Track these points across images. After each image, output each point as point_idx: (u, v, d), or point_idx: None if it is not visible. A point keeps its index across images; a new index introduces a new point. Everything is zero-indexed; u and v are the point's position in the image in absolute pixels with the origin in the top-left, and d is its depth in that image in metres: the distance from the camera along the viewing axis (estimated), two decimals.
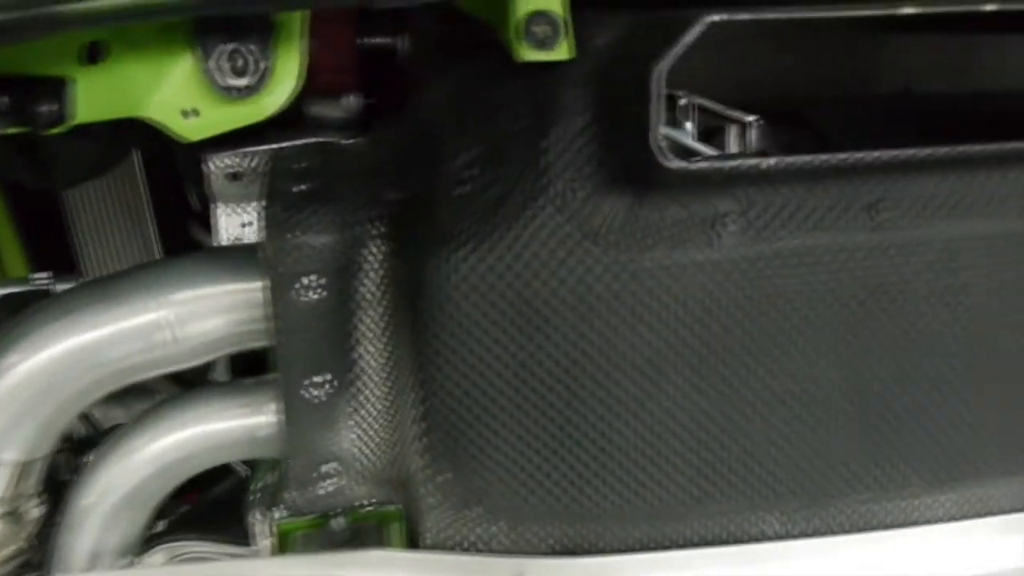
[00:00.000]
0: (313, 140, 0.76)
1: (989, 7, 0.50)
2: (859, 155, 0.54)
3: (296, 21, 0.58)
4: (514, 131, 0.56)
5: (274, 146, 0.76)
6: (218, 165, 0.80)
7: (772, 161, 0.52)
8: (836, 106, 0.74)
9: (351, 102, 0.78)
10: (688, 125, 0.80)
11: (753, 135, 0.81)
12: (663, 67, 0.47)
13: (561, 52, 0.54)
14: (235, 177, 0.81)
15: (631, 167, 0.52)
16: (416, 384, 0.58)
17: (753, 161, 0.52)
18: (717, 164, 0.52)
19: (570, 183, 0.53)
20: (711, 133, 0.87)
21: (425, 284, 0.56)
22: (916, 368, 0.58)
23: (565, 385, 0.55)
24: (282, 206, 0.61)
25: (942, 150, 0.54)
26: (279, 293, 0.60)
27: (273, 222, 0.61)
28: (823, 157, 0.53)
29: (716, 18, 0.47)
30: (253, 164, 0.79)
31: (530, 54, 0.53)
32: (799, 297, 0.56)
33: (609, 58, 0.54)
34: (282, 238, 0.60)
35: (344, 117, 0.80)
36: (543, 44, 0.53)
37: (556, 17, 0.54)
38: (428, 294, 0.55)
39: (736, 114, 0.80)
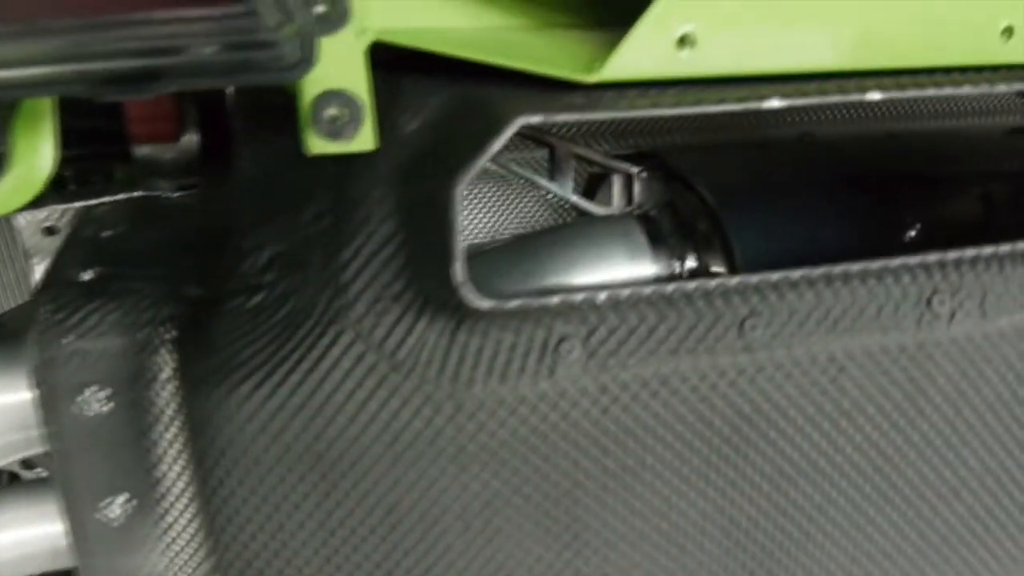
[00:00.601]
0: (137, 194, 0.66)
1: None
2: (724, 281, 0.45)
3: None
4: (316, 231, 0.47)
5: (89, 202, 0.66)
6: (28, 219, 0.70)
7: (604, 296, 0.43)
8: (701, 154, 0.65)
9: (179, 148, 0.68)
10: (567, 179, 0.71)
11: (636, 188, 0.72)
12: (466, 179, 0.38)
13: (360, 142, 0.44)
14: (50, 232, 0.71)
15: (440, 294, 0.42)
16: (211, 530, 0.49)
17: (586, 296, 0.43)
18: (540, 302, 0.42)
19: (374, 305, 0.44)
20: (595, 181, 0.78)
21: (207, 419, 0.46)
22: (798, 500, 0.50)
23: (380, 538, 0.47)
24: (56, 304, 0.51)
25: (817, 271, 0.45)
26: (53, 408, 0.51)
27: (44, 324, 0.51)
28: (671, 288, 0.44)
29: (535, 119, 0.38)
30: (68, 218, 0.69)
31: (320, 145, 0.43)
32: (659, 428, 0.47)
33: (420, 150, 0.44)
34: (55, 343, 0.50)
35: (174, 165, 0.70)
36: (337, 133, 0.43)
37: (355, 98, 0.43)
38: (210, 432, 0.46)
39: (620, 164, 0.71)
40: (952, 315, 0.49)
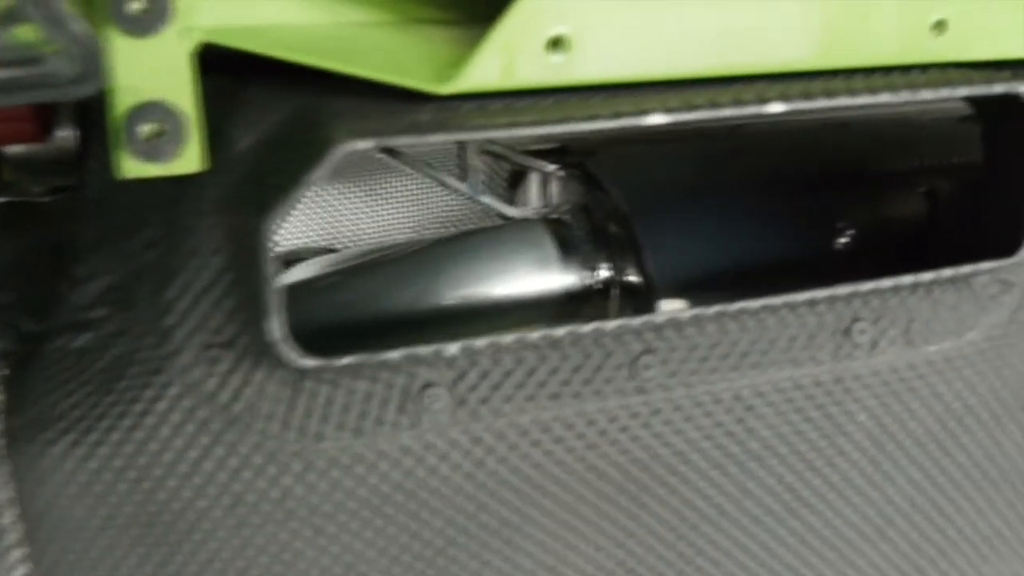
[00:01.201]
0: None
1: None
2: (614, 324, 0.39)
3: None
4: (146, 262, 0.40)
5: None
6: None
7: (457, 348, 0.37)
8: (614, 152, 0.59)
9: (56, 145, 0.61)
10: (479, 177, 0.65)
11: (553, 188, 0.66)
12: (279, 216, 0.31)
13: (184, 163, 0.38)
14: None
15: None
16: None
17: (432, 349, 0.37)
18: (380, 358, 0.36)
19: (204, 352, 0.38)
20: (518, 178, 0.72)
21: (24, 478, 0.40)
22: (704, 550, 0.45)
23: None
24: None
25: (712, 309, 0.39)
26: None
27: None
28: (557, 333, 0.38)
29: (361, 145, 0.31)
30: None
31: (133, 167, 0.37)
32: (543, 480, 0.42)
33: (250, 173, 0.37)
34: None
35: (51, 164, 0.63)
36: (155, 152, 0.37)
37: (177, 111, 0.37)
38: (28, 492, 0.40)
39: (535, 162, 0.64)
40: (874, 344, 0.44)
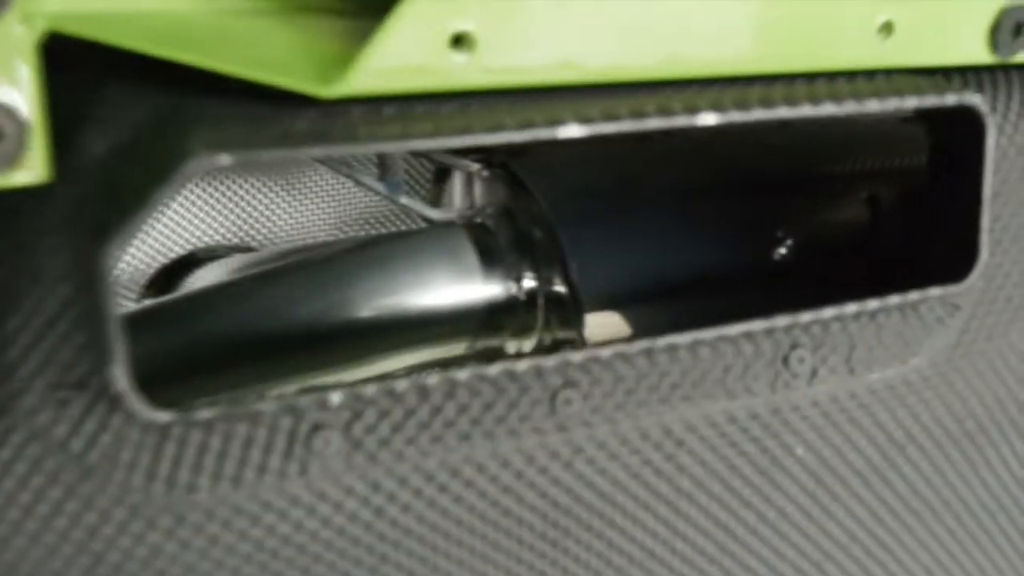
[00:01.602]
0: None
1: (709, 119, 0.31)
2: (526, 364, 0.35)
3: None
4: None
5: None
6: None
7: (340, 397, 0.33)
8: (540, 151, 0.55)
9: None
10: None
11: (477, 189, 0.62)
12: (120, 244, 0.26)
13: (24, 172, 0.32)
14: None
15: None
16: None
17: (313, 399, 0.32)
18: (252, 409, 0.32)
19: (52, 393, 0.33)
20: (441, 174, 0.67)
21: None
22: None
23: None
24: None
25: (636, 346, 0.35)
26: None
27: None
28: (460, 377, 0.34)
29: (221, 160, 0.26)
30: None
31: None
32: (452, 527, 0.38)
33: (100, 184, 0.32)
34: None
35: None
36: None
37: (15, 112, 0.31)
38: None
39: (460, 161, 0.60)
40: (814, 373, 0.40)
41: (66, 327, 0.32)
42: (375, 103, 0.31)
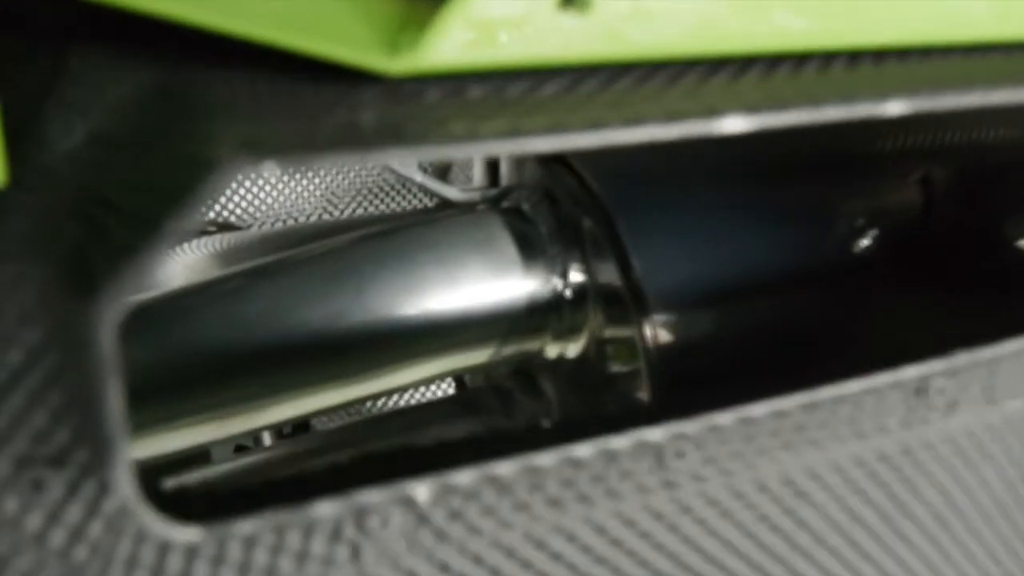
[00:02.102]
0: None
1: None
2: (636, 436, 0.27)
3: None
4: None
5: None
6: None
7: (426, 493, 0.25)
8: None
9: None
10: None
11: (503, 165, 0.54)
12: (128, 294, 0.18)
13: None
14: None
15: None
16: None
17: (392, 494, 0.24)
18: (299, 516, 0.24)
19: (20, 471, 0.24)
20: None
21: None
22: None
23: None
24: None
25: (761, 408, 0.28)
26: None
27: None
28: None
29: (264, 168, 0.18)
30: None
31: None
32: None
33: (78, 188, 0.23)
34: None
35: None
36: None
37: None
38: None
39: None
40: (952, 405, 0.34)
41: (36, 382, 0.24)
42: (456, 81, 0.23)
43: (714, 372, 0.45)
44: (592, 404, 0.50)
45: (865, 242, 0.50)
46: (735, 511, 0.31)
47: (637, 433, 0.26)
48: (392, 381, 0.47)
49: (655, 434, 0.27)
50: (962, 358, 0.32)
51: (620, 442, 0.26)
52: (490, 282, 0.46)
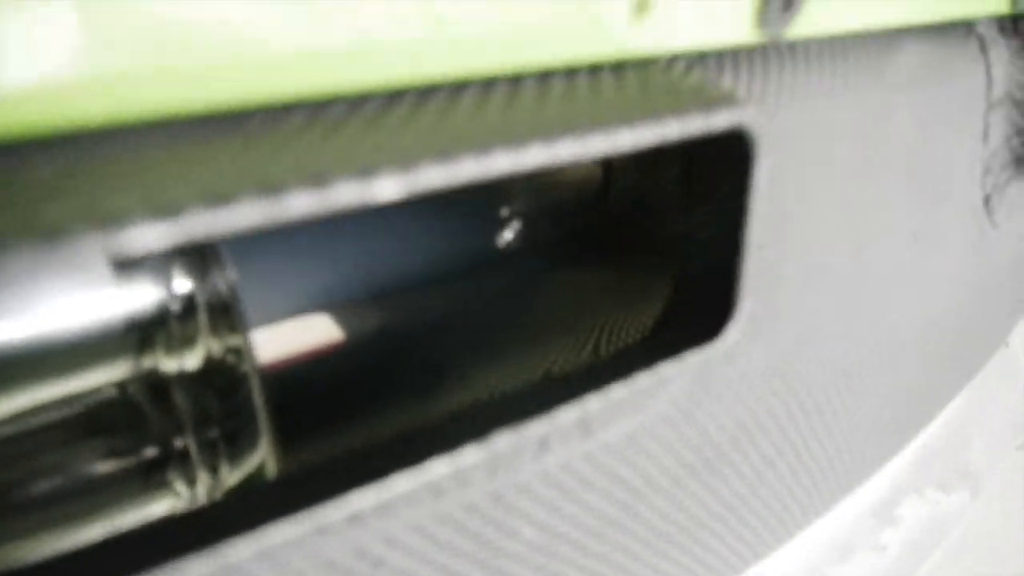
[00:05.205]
0: None
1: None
2: None
3: None
4: None
5: None
6: None
7: None
8: None
9: None
10: None
11: None
12: None
13: None
14: None
15: None
16: None
17: None
18: None
19: None
20: None
21: None
22: None
23: None
24: None
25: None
26: None
27: None
28: None
29: None
30: None
31: None
32: None
33: None
34: None
35: None
36: None
37: None
38: None
39: None
40: (543, 444, 0.32)
41: None
42: None
43: (334, 375, 0.42)
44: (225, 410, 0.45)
45: (540, 227, 0.48)
46: None
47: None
48: None
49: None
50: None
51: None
52: (81, 301, 0.39)
